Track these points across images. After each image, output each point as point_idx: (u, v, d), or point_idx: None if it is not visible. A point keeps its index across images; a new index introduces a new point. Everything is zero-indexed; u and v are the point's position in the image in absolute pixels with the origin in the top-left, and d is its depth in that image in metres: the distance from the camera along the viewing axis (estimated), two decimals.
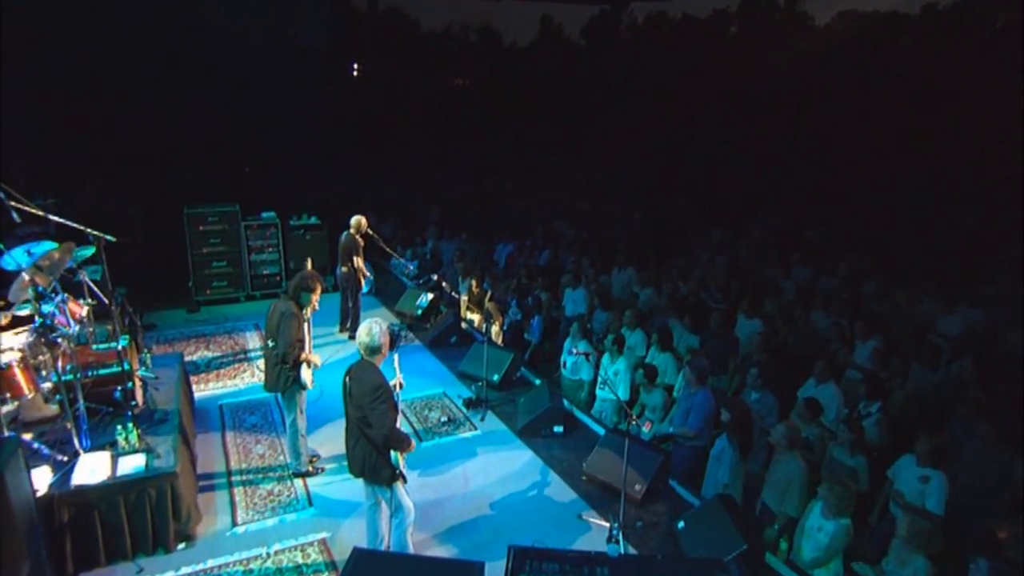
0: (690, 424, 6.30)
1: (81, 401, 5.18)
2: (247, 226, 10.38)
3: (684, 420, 6.42)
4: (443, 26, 27.48)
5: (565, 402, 7.24)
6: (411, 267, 11.33)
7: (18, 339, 5.13)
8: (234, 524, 5.31)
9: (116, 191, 10.89)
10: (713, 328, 8.21)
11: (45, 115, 9.76)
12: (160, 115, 10.80)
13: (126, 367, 5.39)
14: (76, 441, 4.96)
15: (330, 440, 6.58)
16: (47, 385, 5.22)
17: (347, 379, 4.41)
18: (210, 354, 8.55)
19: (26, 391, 4.97)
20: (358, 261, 8.86)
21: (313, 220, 10.95)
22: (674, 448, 6.42)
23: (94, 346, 5.72)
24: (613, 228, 14.22)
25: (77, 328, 5.31)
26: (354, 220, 8.90)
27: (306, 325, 5.82)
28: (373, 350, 4.38)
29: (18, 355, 4.93)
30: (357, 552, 4.05)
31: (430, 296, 10.14)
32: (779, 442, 5.45)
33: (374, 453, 4.37)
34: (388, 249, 9.16)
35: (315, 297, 5.66)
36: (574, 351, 5.23)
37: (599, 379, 7.48)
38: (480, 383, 7.51)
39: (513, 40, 27.30)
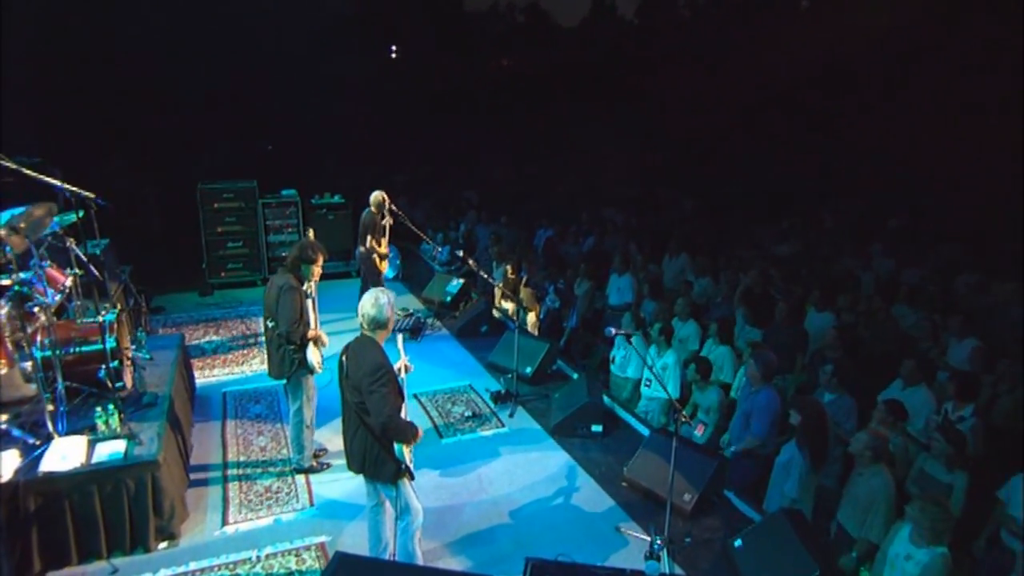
0: (753, 429, 5.63)
1: (60, 380, 4.90)
2: (265, 204, 10.17)
3: (745, 425, 5.77)
4: (487, 5, 27.21)
5: (605, 398, 6.71)
6: (441, 251, 10.93)
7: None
8: (224, 523, 4.96)
9: (133, 169, 10.80)
10: (778, 321, 7.53)
11: (60, 90, 9.70)
12: (182, 91, 10.68)
13: (110, 344, 5.08)
14: (50, 423, 4.65)
15: (341, 433, 6.17)
16: (28, 364, 4.94)
17: (343, 358, 3.98)
18: (219, 339, 8.31)
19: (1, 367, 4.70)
20: (371, 242, 8.46)
21: (337, 199, 10.67)
22: (732, 454, 5.79)
23: (79, 320, 5.42)
24: (666, 214, 13.57)
25: (58, 298, 5.03)
26: (374, 196, 8.53)
27: (311, 302, 5.43)
28: (378, 323, 3.96)
29: None
30: (340, 557, 3.62)
31: (461, 282, 9.72)
32: (861, 452, 4.76)
33: (376, 445, 3.92)
34: (418, 232, 8.71)
35: (316, 269, 5.28)
36: (612, 331, 4.67)
37: (644, 375, 6.96)
38: (510, 375, 7.02)
39: (562, 19, 26.83)
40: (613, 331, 4.67)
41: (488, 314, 8.81)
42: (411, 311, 9.35)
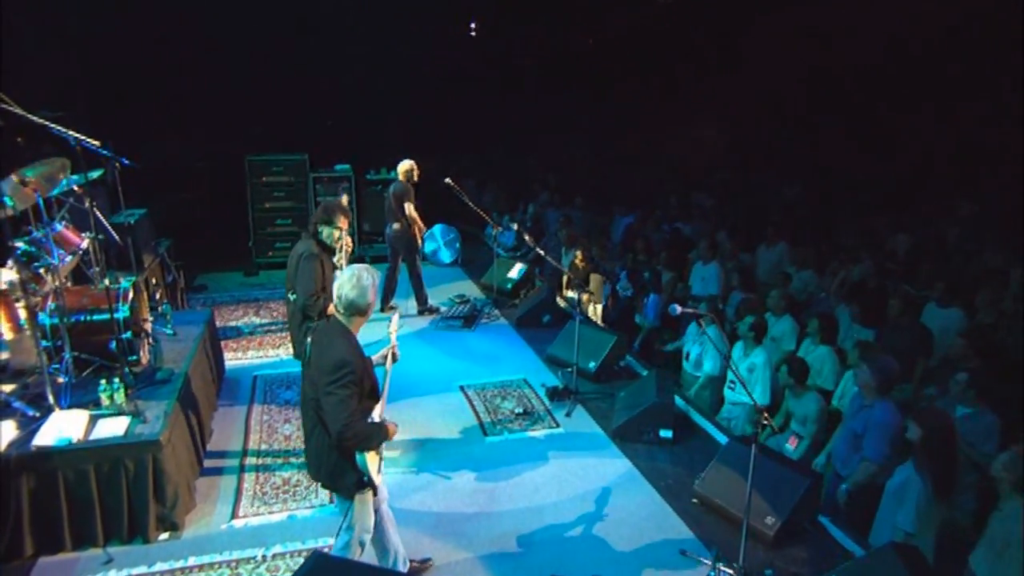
0: (867, 453, 4.85)
1: (68, 350, 4.81)
2: (316, 179, 10.11)
3: (854, 446, 5.03)
4: None
5: (678, 400, 6.14)
6: (505, 234, 10.57)
7: (8, 272, 4.83)
8: (233, 516, 4.75)
9: (185, 142, 10.99)
10: (893, 318, 6.72)
11: (110, 60, 9.92)
12: (237, 62, 10.74)
13: (122, 313, 4.97)
14: (51, 395, 4.55)
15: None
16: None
17: (309, 342, 3.60)
18: (258, 320, 8.24)
19: (4, 331, 4.65)
20: (411, 210, 8.15)
21: (393, 174, 10.44)
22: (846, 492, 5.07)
23: (95, 287, 5.35)
24: (764, 199, 12.73)
25: (68, 259, 4.96)
26: (402, 165, 8.26)
27: (339, 274, 5.13)
28: (356, 308, 3.47)
29: None
30: (316, 557, 3.37)
31: (524, 268, 9.33)
32: (1003, 479, 4.01)
33: (332, 454, 3.49)
34: (478, 211, 8.33)
35: (339, 233, 4.98)
36: (678, 308, 4.11)
37: (728, 377, 6.35)
38: (570, 370, 6.55)
39: None
40: (679, 309, 4.12)
41: (552, 302, 8.37)
42: (467, 297, 9.03)
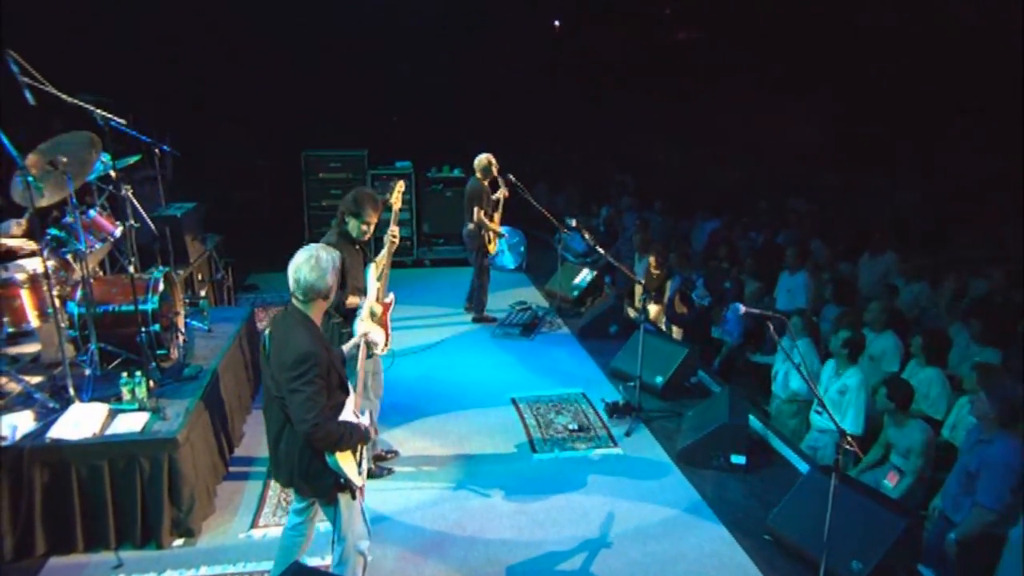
0: (981, 494, 4.31)
1: (93, 341, 4.85)
2: (375, 176, 10.15)
3: (967, 486, 4.48)
4: None
5: (755, 422, 5.69)
6: (573, 237, 10.29)
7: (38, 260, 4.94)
8: (253, 526, 4.66)
9: (248, 141, 11.27)
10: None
11: (175, 57, 10.27)
12: (302, 56, 10.94)
13: (150, 305, 5.00)
14: (72, 388, 4.59)
15: (420, 434, 5.87)
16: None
17: (267, 334, 3.42)
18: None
19: (31, 319, 4.74)
20: (479, 214, 7.98)
21: (456, 172, 10.42)
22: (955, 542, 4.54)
23: (127, 278, 5.41)
24: (870, 203, 12.00)
25: (97, 247, 5.03)
26: (478, 160, 8.07)
27: (374, 268, 5.02)
28: (316, 292, 3.29)
29: (26, 273, 4.70)
30: (296, 568, 3.23)
31: (592, 275, 9.03)
32: None
33: (306, 452, 3.30)
34: (543, 211, 8.08)
35: (367, 228, 4.82)
36: (741, 308, 3.74)
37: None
38: (632, 385, 6.21)
39: None
40: (743, 308, 3.75)
41: (619, 312, 8.04)
42: (528, 304, 8.82)
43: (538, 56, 15.16)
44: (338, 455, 3.29)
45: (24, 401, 4.64)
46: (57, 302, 5.07)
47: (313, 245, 3.37)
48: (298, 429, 3.17)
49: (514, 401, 6.42)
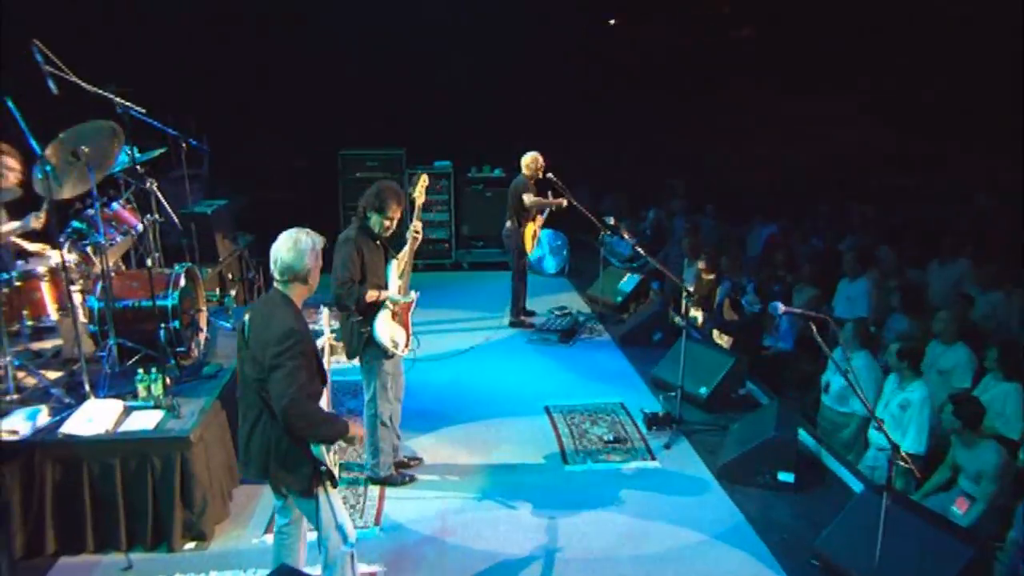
0: None
1: (112, 336, 4.91)
2: (412, 176, 10.07)
3: None
4: None
5: (804, 435, 5.47)
6: (618, 241, 10.14)
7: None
8: (267, 531, 4.61)
9: (283, 140, 11.41)
10: None
11: (211, 55, 10.45)
12: (341, 51, 11.03)
13: (170, 301, 5.04)
14: (87, 383, 4.65)
15: (446, 442, 5.80)
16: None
17: (246, 318, 3.41)
18: (337, 324, 8.27)
19: (51, 312, 4.82)
20: (529, 198, 7.88)
21: (497, 172, 10.37)
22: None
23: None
24: (944, 208, 11.55)
25: (119, 239, 5.09)
26: (525, 158, 8.01)
27: (396, 264, 4.99)
28: (295, 274, 3.31)
29: (47, 266, 4.79)
30: (281, 570, 3.23)
31: (637, 279, 8.87)
32: None
33: (284, 440, 3.27)
34: (590, 216, 7.88)
35: (389, 223, 4.77)
36: (780, 307, 3.56)
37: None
38: (673, 395, 6.03)
39: None
40: (781, 308, 3.56)
41: (664, 318, 7.85)
42: (568, 309, 8.70)
43: (588, 54, 15.04)
44: (321, 449, 3.31)
45: (41, 396, 4.72)
46: (79, 296, 5.19)
47: (295, 230, 3.38)
48: (278, 406, 3.13)
49: (547, 410, 6.30)
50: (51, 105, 4.49)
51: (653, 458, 5.54)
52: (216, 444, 4.75)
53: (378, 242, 4.90)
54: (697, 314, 8.65)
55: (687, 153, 15.91)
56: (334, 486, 3.44)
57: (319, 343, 3.80)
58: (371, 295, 4.75)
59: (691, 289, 8.96)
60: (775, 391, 6.85)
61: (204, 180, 10.06)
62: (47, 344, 5.49)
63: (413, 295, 5.11)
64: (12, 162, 4.79)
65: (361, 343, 4.86)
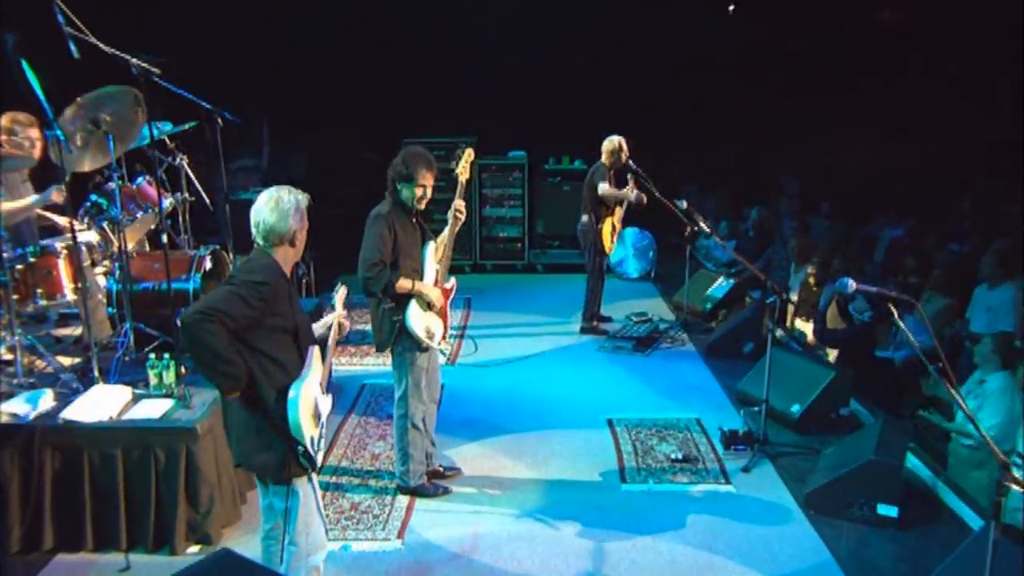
0: None
1: (129, 320, 5.00)
2: (483, 167, 10.11)
3: None
4: None
5: (918, 464, 4.99)
6: (713, 245, 9.80)
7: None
8: None
9: (351, 131, 11.59)
10: None
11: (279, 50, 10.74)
12: (410, 32, 11.11)
13: (193, 284, 5.12)
14: (96, 368, 4.72)
15: (491, 453, 5.64)
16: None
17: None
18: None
19: (67, 291, 4.92)
20: (604, 187, 7.60)
21: (577, 164, 10.17)
22: None
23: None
24: None
25: (140, 215, 5.18)
26: (607, 142, 7.77)
27: (433, 246, 4.88)
28: (276, 235, 3.25)
29: (65, 243, 4.91)
30: (223, 555, 3.13)
31: (731, 284, 8.50)
32: None
33: (256, 414, 3.19)
34: (679, 213, 7.48)
35: (422, 192, 4.65)
36: (850, 283, 3.21)
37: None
38: (757, 410, 5.65)
39: None
40: (852, 284, 3.19)
41: (757, 326, 7.40)
42: (648, 316, 8.40)
43: (699, 42, 14.70)
44: (300, 411, 3.15)
45: (51, 381, 4.82)
46: (102, 279, 5.31)
47: (277, 188, 3.34)
48: (185, 316, 3.05)
49: (610, 423, 6.04)
50: (71, 72, 4.63)
51: (727, 481, 5.19)
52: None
53: (414, 220, 4.80)
54: (804, 327, 8.18)
55: (802, 149, 15.32)
56: (314, 471, 3.31)
57: (327, 319, 3.74)
58: (403, 284, 4.62)
59: (795, 298, 8.57)
60: (892, 413, 6.33)
61: (263, 171, 10.33)
62: (74, 331, 5.66)
63: (452, 282, 4.98)
64: (35, 132, 4.94)
65: (393, 333, 4.71)
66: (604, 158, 7.79)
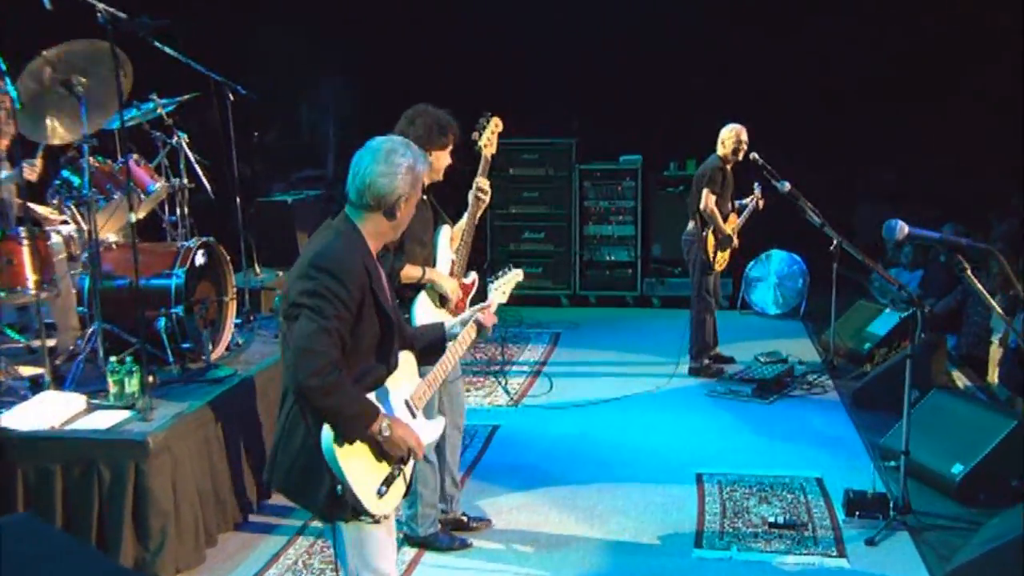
0: None
1: (98, 319, 5.13)
2: (584, 173, 10.02)
3: None
4: None
5: None
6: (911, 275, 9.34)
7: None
8: None
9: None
10: None
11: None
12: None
13: (174, 280, 5.21)
14: (48, 373, 4.87)
15: (537, 505, 5.50)
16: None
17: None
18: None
19: (28, 283, 5.07)
20: (708, 199, 7.45)
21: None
22: None
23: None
24: None
25: (117, 197, 5.33)
26: (724, 132, 7.59)
27: (447, 230, 4.84)
28: (373, 192, 2.90)
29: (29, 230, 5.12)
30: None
31: (899, 317, 8.01)
32: None
33: (310, 439, 2.85)
34: (814, 216, 7.12)
35: (439, 163, 4.56)
36: (904, 229, 2.89)
37: None
38: (894, 464, 5.29)
39: None
40: (902, 226, 2.85)
41: (925, 369, 6.87)
42: (782, 356, 8.07)
43: (887, 40, 14.22)
44: (342, 453, 2.80)
45: (6, 391, 4.98)
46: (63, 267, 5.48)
47: (391, 138, 3.09)
48: (293, 377, 2.77)
49: (699, 477, 5.75)
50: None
51: (841, 554, 4.78)
52: (197, 463, 4.72)
53: (425, 196, 4.70)
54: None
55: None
56: (372, 520, 3.00)
57: (462, 316, 3.58)
58: (410, 272, 4.52)
59: (996, 341, 7.90)
60: None
61: (327, 183, 10.65)
62: (51, 342, 5.86)
63: (473, 277, 4.85)
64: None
65: None
66: (720, 150, 7.63)
